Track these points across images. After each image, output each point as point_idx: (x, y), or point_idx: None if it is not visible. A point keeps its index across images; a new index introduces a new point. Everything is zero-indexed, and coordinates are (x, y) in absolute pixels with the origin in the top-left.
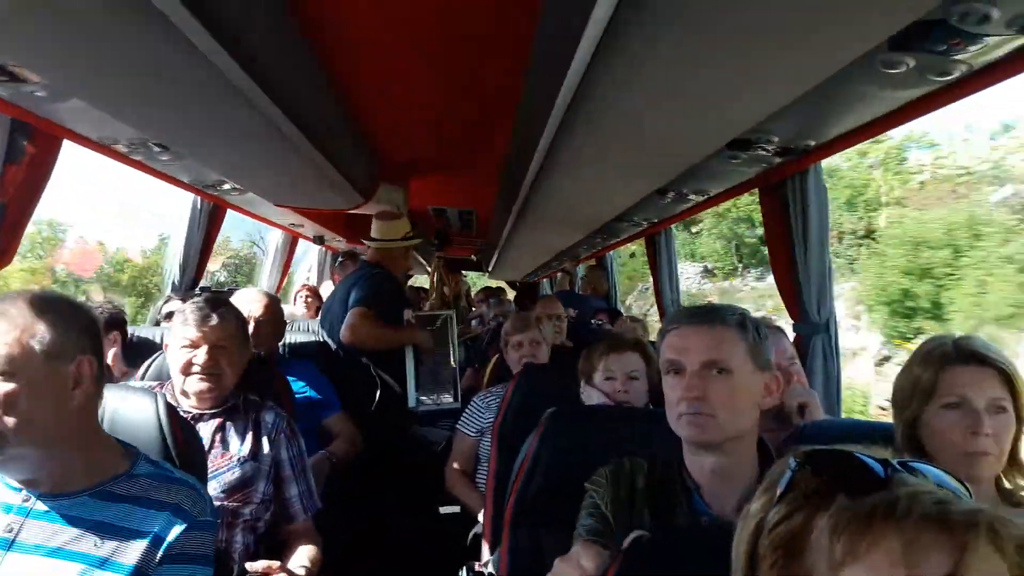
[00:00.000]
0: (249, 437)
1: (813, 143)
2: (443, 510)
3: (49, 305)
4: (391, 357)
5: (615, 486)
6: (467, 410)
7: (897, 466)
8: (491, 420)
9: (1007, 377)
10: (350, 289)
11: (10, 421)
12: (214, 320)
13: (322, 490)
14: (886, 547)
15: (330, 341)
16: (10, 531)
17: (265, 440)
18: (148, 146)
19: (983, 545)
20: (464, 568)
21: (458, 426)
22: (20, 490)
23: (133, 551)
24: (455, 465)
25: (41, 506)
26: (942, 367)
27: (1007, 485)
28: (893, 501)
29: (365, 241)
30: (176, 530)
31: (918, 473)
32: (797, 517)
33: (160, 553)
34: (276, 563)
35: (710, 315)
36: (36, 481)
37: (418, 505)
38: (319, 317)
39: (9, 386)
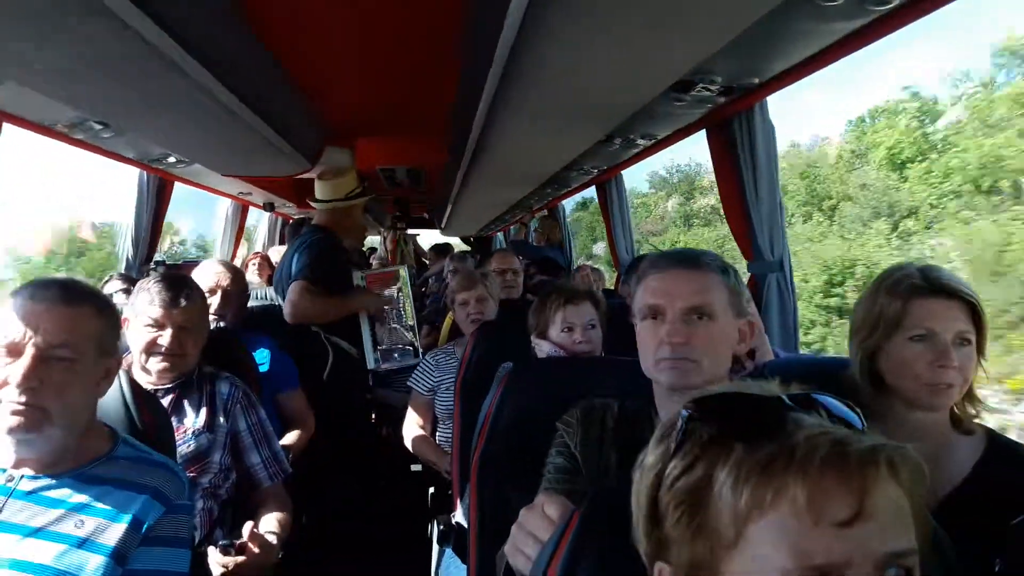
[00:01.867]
0: (204, 409)
1: (757, 81)
2: (413, 467)
3: (106, 303)
4: (343, 321)
5: (585, 426)
6: (418, 368)
7: (788, 402)
8: (441, 378)
9: (973, 310)
10: (292, 256)
11: (59, 403)
12: (182, 303)
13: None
14: (790, 496)
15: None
16: None
17: (220, 411)
18: (89, 125)
19: (883, 479)
20: (434, 522)
21: (410, 383)
22: (4, 471)
23: (113, 533)
24: (413, 424)
25: (24, 486)
26: (910, 298)
27: (958, 413)
28: (792, 448)
29: (312, 203)
30: (155, 513)
31: (816, 405)
32: (697, 470)
33: (139, 536)
34: (246, 530)
35: (694, 260)
36: (28, 461)
37: (385, 468)
38: (273, 286)
39: (69, 371)
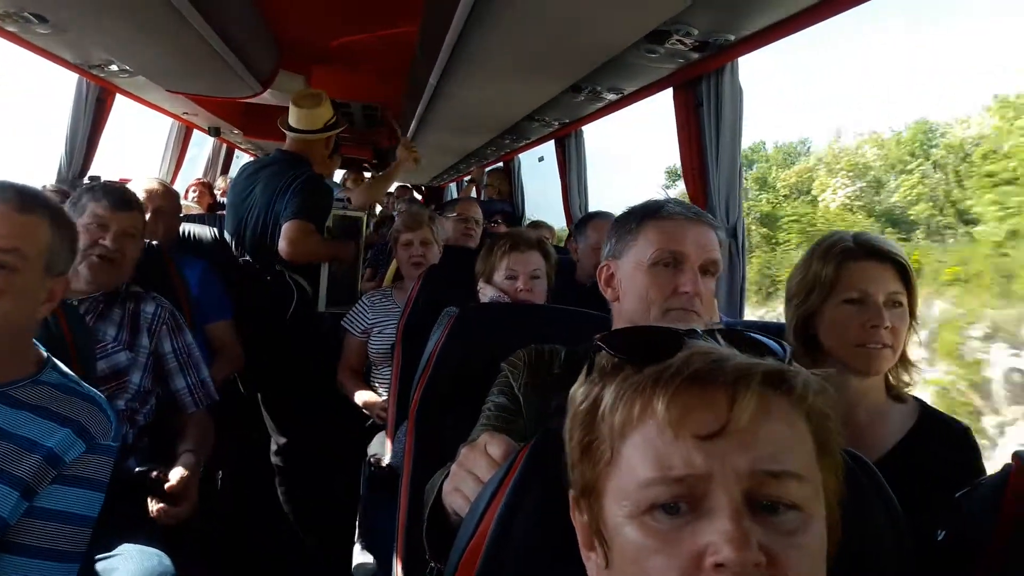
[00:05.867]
0: (125, 327)
1: (733, 38)
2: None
3: (65, 219)
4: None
5: (532, 369)
6: (353, 309)
7: (700, 332)
8: (375, 320)
9: (903, 272)
10: (275, 192)
11: None
12: (131, 205)
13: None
14: (652, 411)
15: (237, 243)
16: None
17: (144, 331)
18: (24, 16)
19: (757, 397)
20: (364, 463)
21: (344, 323)
22: None
23: (25, 463)
24: (346, 366)
25: None
26: (843, 262)
27: (892, 380)
28: (668, 366)
29: (284, 128)
30: (75, 451)
31: (744, 341)
32: (592, 394)
33: (53, 472)
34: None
35: (700, 213)
36: None
37: (327, 408)
38: (225, 213)
39: (7, 281)
